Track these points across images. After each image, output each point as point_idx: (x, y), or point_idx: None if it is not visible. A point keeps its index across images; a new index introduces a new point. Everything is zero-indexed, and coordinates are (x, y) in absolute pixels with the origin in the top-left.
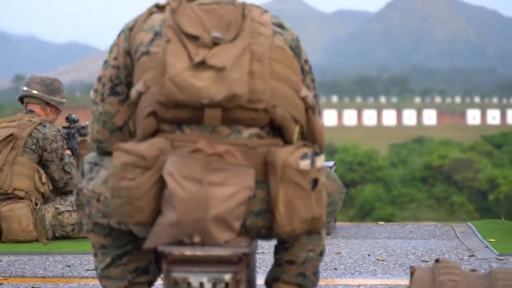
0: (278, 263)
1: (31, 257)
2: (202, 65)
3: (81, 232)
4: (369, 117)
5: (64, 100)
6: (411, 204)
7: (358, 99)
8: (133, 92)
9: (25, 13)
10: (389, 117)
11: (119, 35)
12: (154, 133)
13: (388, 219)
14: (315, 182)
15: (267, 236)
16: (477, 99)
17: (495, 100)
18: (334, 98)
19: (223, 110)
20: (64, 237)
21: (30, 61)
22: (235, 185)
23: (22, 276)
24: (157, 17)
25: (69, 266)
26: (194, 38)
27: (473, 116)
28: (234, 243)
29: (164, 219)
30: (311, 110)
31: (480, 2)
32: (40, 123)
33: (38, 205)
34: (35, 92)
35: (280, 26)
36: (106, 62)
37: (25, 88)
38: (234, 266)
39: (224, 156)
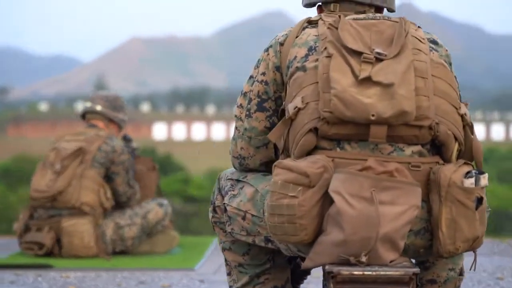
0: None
1: (98, 273)
2: (367, 81)
3: (140, 247)
4: None
5: (126, 118)
6: None
7: None
8: (290, 108)
9: (9, 25)
10: None
11: (267, 49)
12: (311, 150)
13: None
14: (479, 201)
15: (424, 255)
16: None
17: (478, 115)
18: None
19: (388, 127)
20: (123, 252)
21: (15, 73)
22: (404, 204)
23: None
24: (310, 32)
25: (143, 283)
26: (356, 53)
27: None
28: (397, 262)
29: (329, 237)
30: (469, 128)
31: (464, 18)
32: (107, 137)
33: (100, 221)
34: (99, 108)
35: (434, 42)
36: (251, 77)
37: (88, 104)
38: (404, 287)
39: (394, 174)
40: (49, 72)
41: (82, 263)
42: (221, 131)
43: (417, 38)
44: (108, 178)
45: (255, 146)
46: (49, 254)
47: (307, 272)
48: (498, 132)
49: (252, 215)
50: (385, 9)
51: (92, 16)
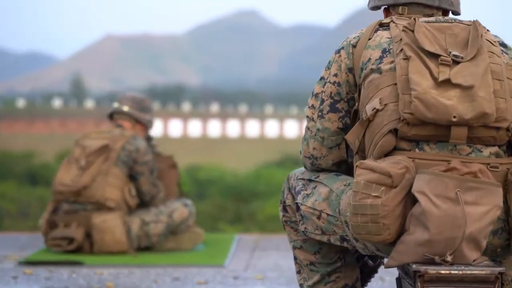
0: None
1: (131, 270)
2: (446, 83)
3: (166, 243)
4: None
5: (153, 119)
6: None
7: None
8: (368, 109)
9: None
10: None
11: (338, 51)
12: (389, 151)
13: None
14: None
15: (501, 255)
16: None
17: None
18: (294, 110)
19: (468, 129)
20: (147, 249)
21: None
22: (488, 204)
23: None
24: (383, 34)
25: (177, 279)
26: (434, 56)
27: None
28: (479, 261)
29: (412, 237)
30: None
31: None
32: (132, 136)
33: (126, 217)
34: (126, 109)
35: (503, 45)
36: (322, 78)
37: (116, 105)
38: (490, 285)
39: (478, 175)
40: (24, 69)
41: (110, 260)
42: (197, 128)
43: (489, 41)
44: (132, 177)
45: (327, 146)
46: (78, 250)
47: (374, 271)
48: None
49: (328, 215)
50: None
51: (66, 13)
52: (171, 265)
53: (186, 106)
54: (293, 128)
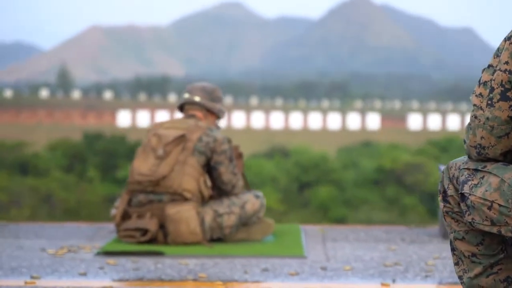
0: None
1: (215, 260)
2: None
3: (237, 234)
4: (315, 121)
5: (224, 109)
6: (364, 206)
7: (302, 103)
8: None
9: None
10: (334, 121)
11: (508, 38)
12: None
13: (342, 220)
14: None
15: None
16: (416, 104)
17: (432, 105)
18: (279, 101)
19: None
20: (219, 240)
21: None
22: None
23: (223, 281)
24: None
25: (266, 270)
26: None
27: (414, 121)
28: None
29: None
30: None
31: (416, 11)
32: (208, 127)
33: (199, 208)
34: (197, 99)
35: None
36: (491, 66)
37: (187, 95)
38: None
39: None
40: (9, 60)
41: (189, 250)
42: None
43: None
44: (211, 167)
45: (496, 135)
46: (151, 241)
47: None
48: (454, 122)
49: (500, 205)
50: None
51: (52, 4)
52: (254, 256)
53: (172, 98)
54: (279, 120)
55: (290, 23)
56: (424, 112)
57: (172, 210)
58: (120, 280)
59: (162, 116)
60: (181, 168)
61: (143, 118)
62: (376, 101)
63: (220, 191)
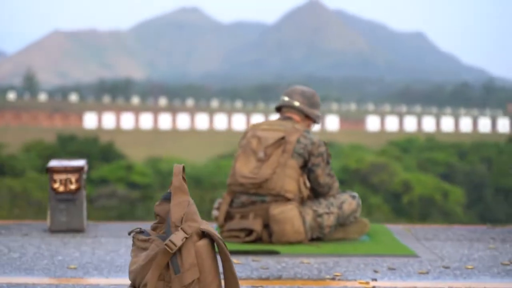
0: None
1: (335, 260)
2: None
3: (334, 233)
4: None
5: (320, 114)
6: None
7: (261, 105)
8: None
9: None
10: None
11: None
12: None
13: None
14: None
15: None
16: (371, 107)
17: (387, 107)
18: (239, 103)
19: None
20: (318, 239)
21: None
22: None
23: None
24: None
25: (393, 268)
26: None
27: (372, 123)
28: None
29: None
30: None
31: (369, 16)
32: (305, 130)
33: (300, 208)
34: (297, 104)
35: None
36: None
37: (286, 99)
38: None
39: None
40: None
41: (298, 249)
42: (148, 121)
43: None
44: (308, 169)
45: None
46: (256, 240)
47: None
48: (410, 123)
49: None
50: None
51: (14, 7)
52: (368, 255)
53: (135, 100)
54: (240, 121)
55: (246, 28)
56: (382, 114)
57: (276, 210)
58: (248, 278)
59: (127, 118)
60: (282, 170)
61: (109, 120)
62: (333, 104)
63: (316, 192)
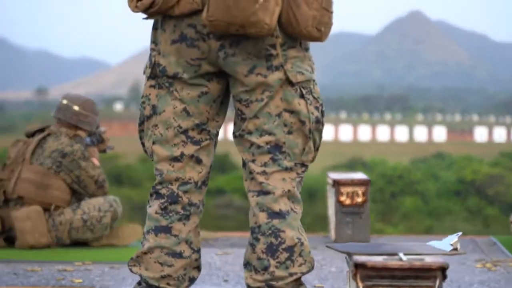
0: None
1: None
2: None
3: None
4: (382, 133)
5: None
6: (447, 216)
7: (365, 116)
8: None
9: (38, 28)
10: (401, 133)
11: None
12: None
13: (428, 231)
14: None
15: None
16: (475, 117)
17: (492, 118)
18: (343, 114)
19: None
20: None
21: (43, 75)
22: None
23: None
24: None
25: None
26: None
27: (480, 133)
28: None
29: None
30: None
31: (470, 27)
32: None
33: None
34: None
35: None
36: None
37: None
38: None
39: None
40: (75, 74)
41: None
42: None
43: None
44: None
45: None
46: None
47: None
48: None
49: None
50: None
51: (118, 21)
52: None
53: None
54: (347, 132)
55: (348, 38)
56: (489, 125)
57: None
58: None
59: None
60: None
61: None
62: (437, 114)
63: None
